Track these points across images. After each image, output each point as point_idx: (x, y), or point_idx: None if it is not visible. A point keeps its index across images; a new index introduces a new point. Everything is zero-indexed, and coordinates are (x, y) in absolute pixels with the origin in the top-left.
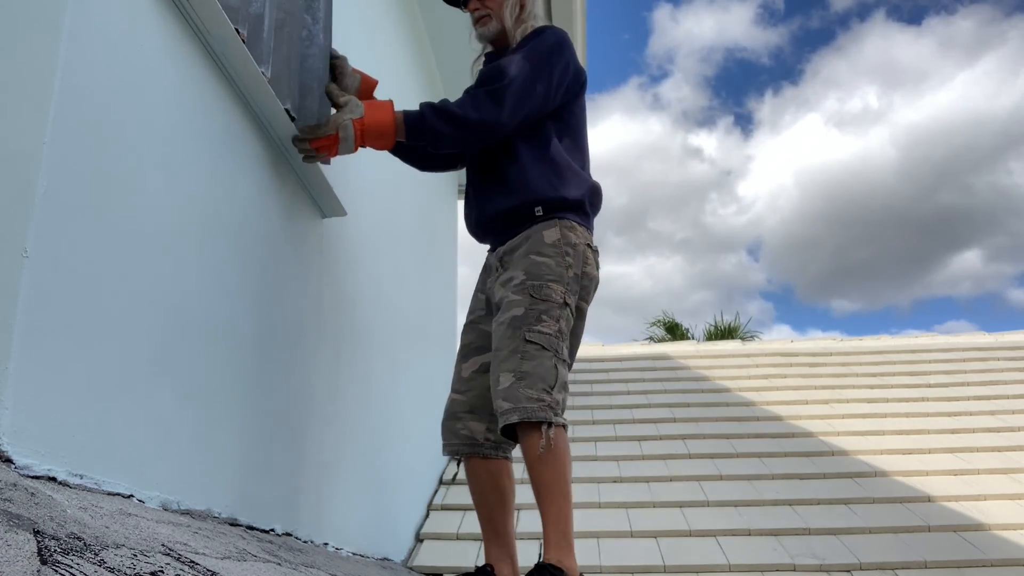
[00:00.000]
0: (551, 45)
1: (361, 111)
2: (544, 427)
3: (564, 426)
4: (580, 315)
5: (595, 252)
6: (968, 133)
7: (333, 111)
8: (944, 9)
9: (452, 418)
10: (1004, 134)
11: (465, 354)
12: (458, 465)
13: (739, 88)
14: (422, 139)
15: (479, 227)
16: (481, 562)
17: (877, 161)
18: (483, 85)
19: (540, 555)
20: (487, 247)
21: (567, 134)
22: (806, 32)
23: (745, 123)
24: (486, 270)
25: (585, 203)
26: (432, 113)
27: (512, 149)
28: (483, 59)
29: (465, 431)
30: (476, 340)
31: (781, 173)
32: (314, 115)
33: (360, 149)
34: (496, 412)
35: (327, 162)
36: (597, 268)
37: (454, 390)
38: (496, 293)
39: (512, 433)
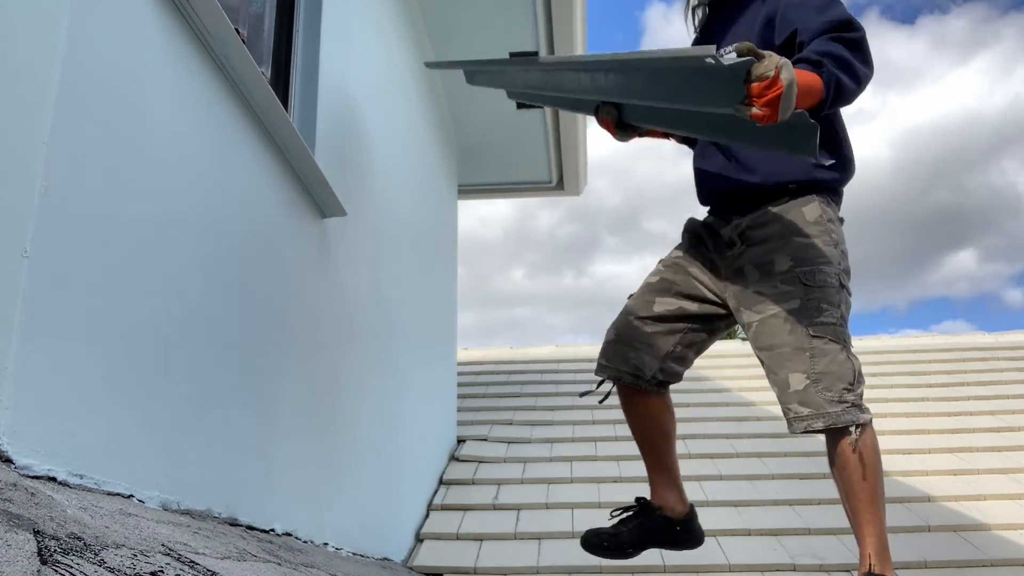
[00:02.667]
0: None
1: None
2: (853, 429)
3: (871, 421)
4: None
5: (842, 223)
6: (962, 133)
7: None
8: (938, 8)
9: (625, 343)
10: (997, 134)
11: (664, 288)
12: (598, 386)
13: None
14: (837, 103)
15: (720, 193)
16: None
17: (871, 160)
18: (841, 31)
19: (867, 566)
20: (695, 211)
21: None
22: None
23: None
24: (701, 238)
25: (843, 180)
26: (845, 74)
27: None
28: (704, 8)
29: (636, 361)
30: (683, 286)
31: None
32: None
33: None
34: (786, 415)
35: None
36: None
37: (637, 316)
38: (747, 275)
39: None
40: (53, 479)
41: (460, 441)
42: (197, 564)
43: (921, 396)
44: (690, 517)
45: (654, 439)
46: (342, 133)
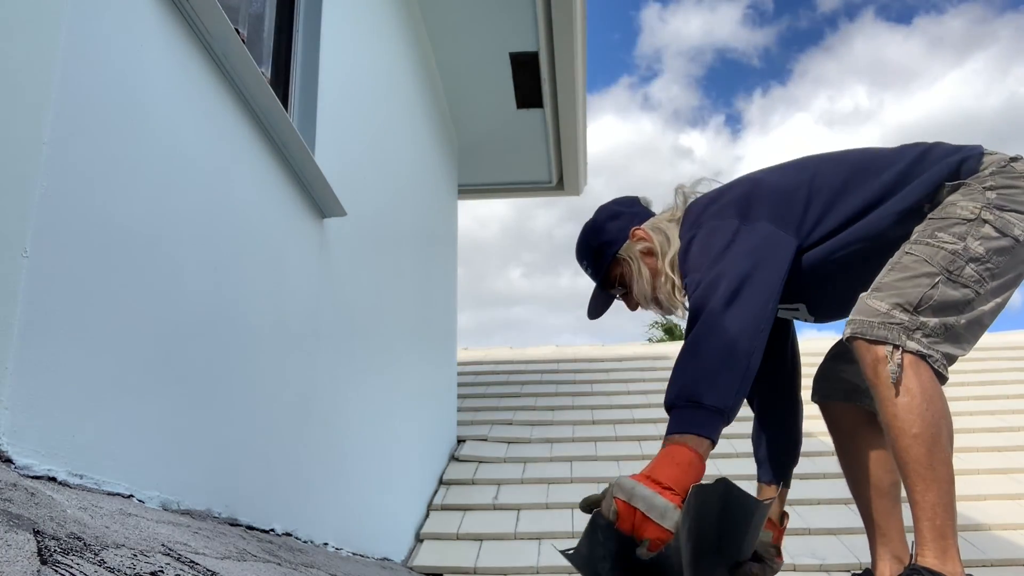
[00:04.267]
0: (705, 244)
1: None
2: (889, 351)
3: (927, 356)
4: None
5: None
6: (958, 133)
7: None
8: (934, 8)
9: (831, 358)
10: (993, 133)
11: None
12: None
13: (728, 88)
14: (736, 406)
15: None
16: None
17: None
18: (693, 323)
19: (911, 555)
20: None
21: (835, 228)
22: (794, 32)
23: (734, 123)
24: None
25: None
26: (719, 396)
27: (836, 269)
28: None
29: (845, 373)
30: None
31: None
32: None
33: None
34: None
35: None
36: None
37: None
38: None
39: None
40: (53, 479)
41: (460, 441)
42: (197, 564)
43: None
44: None
45: (868, 472)
46: (342, 133)
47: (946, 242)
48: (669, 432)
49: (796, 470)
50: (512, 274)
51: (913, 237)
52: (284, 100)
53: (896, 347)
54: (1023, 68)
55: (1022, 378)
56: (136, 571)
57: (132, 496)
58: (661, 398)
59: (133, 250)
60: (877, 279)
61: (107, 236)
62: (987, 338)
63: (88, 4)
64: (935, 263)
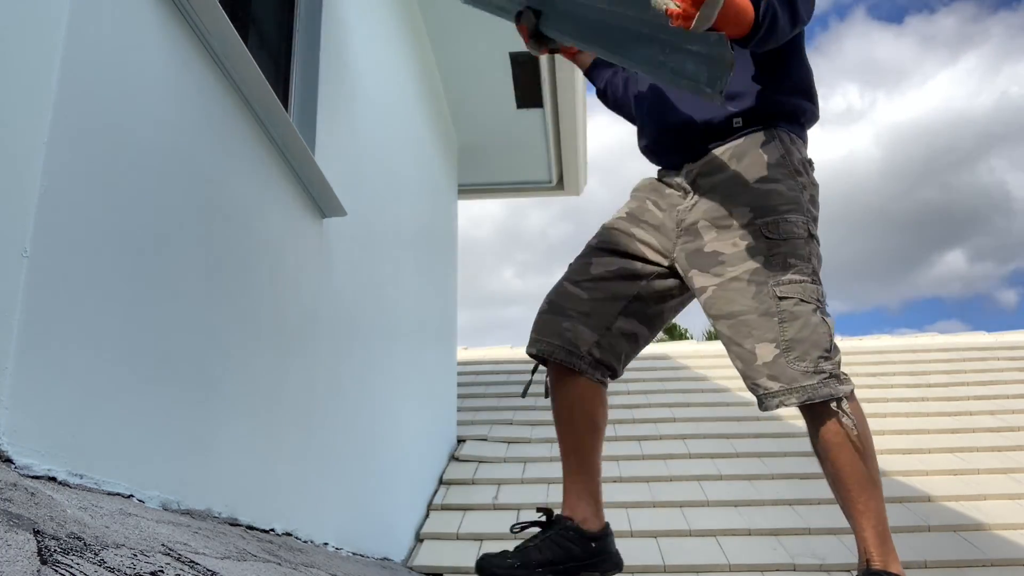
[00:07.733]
0: None
1: None
2: (834, 404)
3: (852, 392)
4: None
5: (813, 168)
6: (951, 132)
7: None
8: (926, 7)
9: (559, 312)
10: (986, 132)
11: (605, 249)
12: (532, 374)
13: None
14: (767, 39)
15: (661, 136)
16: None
17: (861, 160)
18: None
19: (865, 561)
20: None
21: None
22: None
23: None
24: (650, 196)
25: (805, 112)
26: (784, 12)
27: None
28: None
29: (571, 334)
30: (626, 246)
31: None
32: None
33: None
34: (754, 391)
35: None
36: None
37: (573, 281)
38: (701, 233)
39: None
40: (53, 479)
41: (460, 441)
42: (197, 564)
43: (921, 396)
44: (605, 534)
45: (582, 434)
46: (342, 133)
47: (804, 270)
48: None
49: (795, 470)
50: (505, 274)
51: (764, 264)
52: (284, 100)
53: (838, 399)
54: (1016, 67)
55: (1022, 378)
56: (136, 571)
57: (132, 496)
58: (662, 398)
59: (133, 250)
60: (773, 334)
61: (107, 236)
62: (987, 338)
63: (88, 4)
64: (810, 298)
